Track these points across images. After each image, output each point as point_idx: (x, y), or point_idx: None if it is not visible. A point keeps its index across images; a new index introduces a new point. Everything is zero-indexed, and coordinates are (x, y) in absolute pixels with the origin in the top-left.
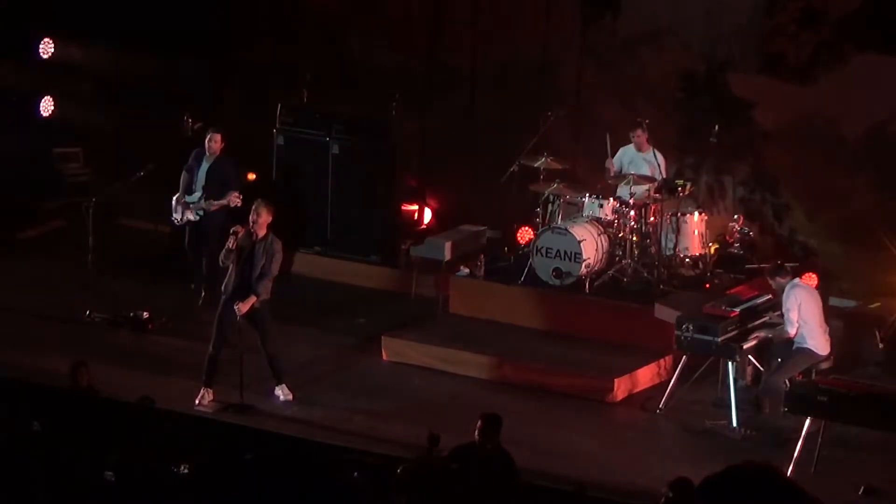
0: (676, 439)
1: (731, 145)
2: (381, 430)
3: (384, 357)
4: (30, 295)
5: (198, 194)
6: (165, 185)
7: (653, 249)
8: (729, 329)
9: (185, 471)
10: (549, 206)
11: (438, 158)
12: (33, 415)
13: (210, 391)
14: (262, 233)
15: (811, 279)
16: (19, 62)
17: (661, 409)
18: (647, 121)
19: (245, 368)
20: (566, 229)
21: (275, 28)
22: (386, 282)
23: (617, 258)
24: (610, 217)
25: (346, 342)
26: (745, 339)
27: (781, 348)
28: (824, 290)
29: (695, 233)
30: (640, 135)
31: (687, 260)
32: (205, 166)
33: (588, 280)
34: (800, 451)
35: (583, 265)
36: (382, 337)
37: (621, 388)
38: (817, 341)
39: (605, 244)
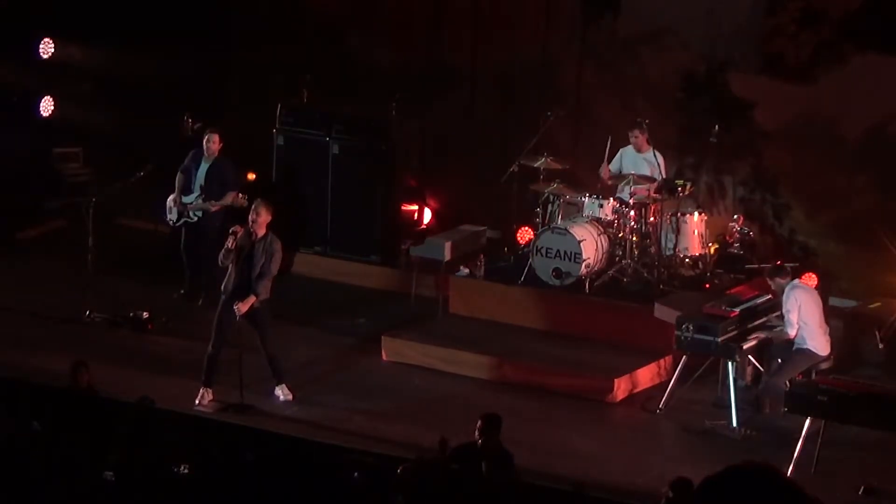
0: (676, 439)
1: (731, 145)
2: (381, 430)
3: (384, 357)
4: (30, 295)
5: (195, 195)
6: (165, 185)
7: (653, 249)
8: (729, 329)
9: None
10: (549, 206)
11: (438, 158)
12: (33, 415)
13: (210, 391)
14: (261, 232)
15: (811, 279)
16: (19, 62)
17: (661, 409)
18: (646, 121)
19: (245, 368)
20: (566, 229)
21: (275, 28)
22: (386, 282)
23: (617, 258)
24: (610, 217)
25: (346, 342)
26: (745, 339)
27: (781, 349)
28: (824, 290)
29: (695, 233)
30: (639, 135)
31: (687, 260)
32: (204, 167)
33: (588, 280)
34: (800, 451)
35: (583, 265)
36: (382, 337)
37: (621, 388)
38: (817, 342)
39: (605, 244)
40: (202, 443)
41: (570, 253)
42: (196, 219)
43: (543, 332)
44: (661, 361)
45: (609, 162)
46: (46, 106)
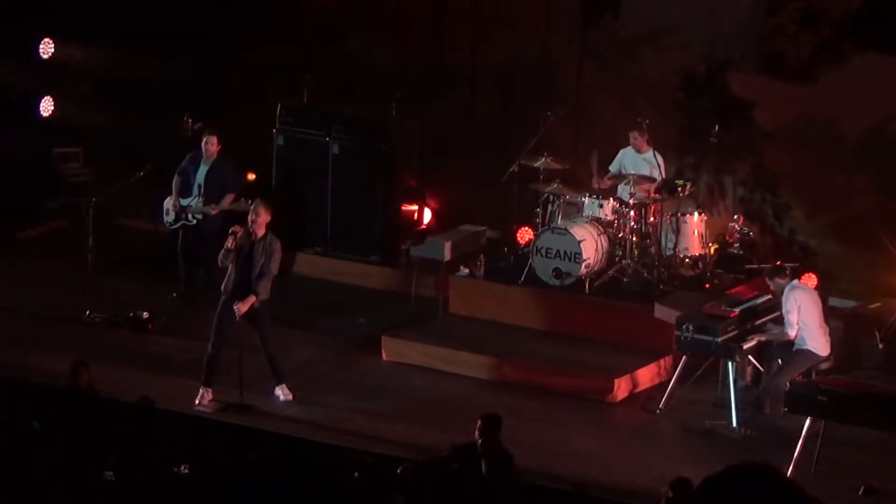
0: (676, 439)
1: (731, 145)
2: (381, 430)
3: (384, 357)
4: (30, 295)
5: (195, 197)
6: (165, 185)
7: (653, 249)
8: (729, 329)
9: (185, 471)
10: (549, 206)
11: (438, 158)
12: (33, 415)
13: (210, 391)
14: (260, 232)
15: (811, 279)
16: (19, 62)
17: (661, 409)
18: (646, 121)
19: (245, 368)
20: (566, 229)
21: (275, 28)
22: (386, 282)
23: (617, 258)
24: (610, 217)
25: (346, 342)
26: (745, 340)
27: (781, 349)
28: (824, 290)
29: (695, 233)
30: (638, 136)
31: (687, 260)
32: (203, 169)
33: (588, 280)
34: (800, 451)
35: (583, 265)
36: (382, 337)
37: (621, 388)
38: (817, 342)
39: (605, 244)
40: (202, 443)
41: (570, 253)
42: (195, 221)
43: (543, 332)
44: (661, 361)
45: (598, 174)
46: (46, 106)
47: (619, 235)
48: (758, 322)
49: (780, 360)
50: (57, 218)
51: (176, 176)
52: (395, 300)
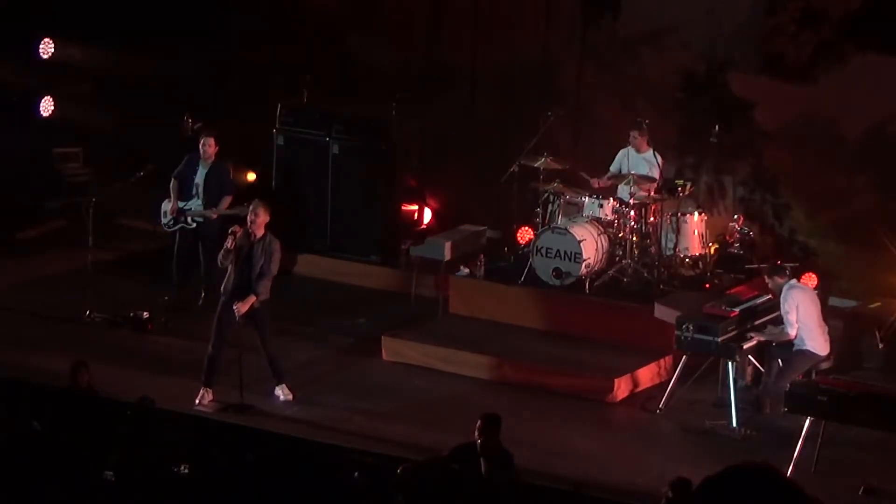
0: (676, 439)
1: (731, 145)
2: (381, 430)
3: (384, 357)
4: (30, 295)
5: (197, 201)
6: (165, 185)
7: (653, 249)
8: (729, 329)
9: (185, 471)
10: (549, 206)
11: (438, 158)
12: (33, 415)
13: (210, 391)
14: (260, 233)
15: (811, 279)
16: (19, 62)
17: (661, 409)
18: (646, 121)
19: (245, 368)
20: (566, 229)
21: (275, 28)
22: (386, 282)
23: (617, 258)
24: (610, 217)
25: (346, 342)
26: (745, 339)
27: (781, 349)
28: (824, 290)
29: (695, 233)
30: (638, 136)
31: (687, 260)
32: (202, 172)
33: (588, 280)
34: (800, 451)
35: (583, 265)
36: (382, 337)
37: (621, 388)
38: (816, 342)
39: (605, 244)
40: (202, 443)
41: (571, 253)
42: (195, 225)
43: (543, 332)
44: (661, 361)
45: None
46: (46, 106)
47: (620, 235)
48: (758, 322)
49: (780, 361)
50: (57, 218)
51: (173, 179)
52: (395, 300)
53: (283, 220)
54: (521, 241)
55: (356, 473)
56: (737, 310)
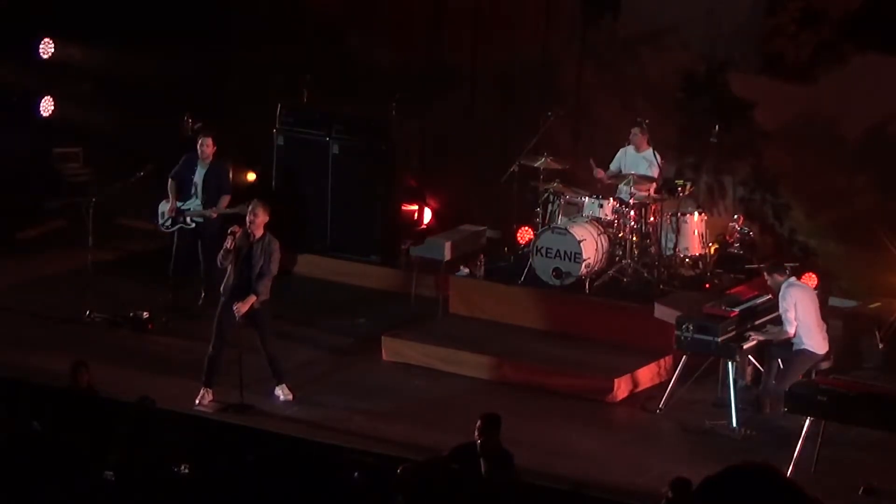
0: (676, 439)
1: (731, 145)
2: (381, 430)
3: (384, 357)
4: (30, 295)
5: (196, 201)
6: (165, 185)
7: (653, 249)
8: (729, 329)
9: (185, 471)
10: (549, 206)
11: (438, 158)
12: (33, 415)
13: (210, 391)
14: (259, 233)
15: (811, 279)
16: (19, 62)
17: (661, 409)
18: (646, 121)
19: (245, 368)
20: (566, 229)
21: (275, 28)
22: (386, 282)
23: (617, 258)
24: (610, 217)
25: (346, 342)
26: (745, 339)
27: (780, 349)
28: (824, 290)
29: (695, 233)
30: (639, 133)
31: (687, 260)
32: (201, 172)
33: (588, 280)
34: (800, 451)
35: (583, 265)
36: (382, 337)
37: (621, 388)
38: (815, 341)
39: (605, 244)
40: (202, 443)
41: (570, 253)
42: (194, 225)
43: (543, 332)
44: (661, 361)
45: (599, 167)
46: (46, 106)
47: (619, 235)
48: (758, 322)
49: (780, 361)
50: (57, 218)
51: (170, 179)
52: (395, 300)
53: (283, 220)
54: (521, 241)
55: (356, 473)
56: (737, 310)
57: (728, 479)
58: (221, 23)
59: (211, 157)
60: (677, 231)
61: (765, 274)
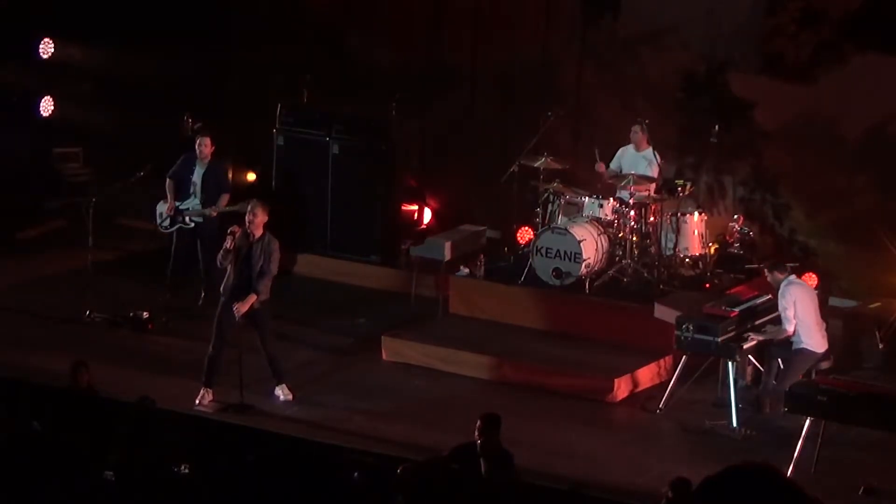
0: (676, 439)
1: (731, 145)
2: (381, 430)
3: (384, 357)
4: (30, 295)
5: (196, 201)
6: (165, 185)
7: (653, 249)
8: (729, 329)
9: (185, 471)
10: (549, 206)
11: (438, 158)
12: (33, 415)
13: (210, 391)
14: (258, 233)
15: (811, 279)
16: (19, 62)
17: (661, 409)
18: (646, 121)
19: (245, 368)
20: (566, 229)
21: (275, 28)
22: (386, 282)
23: (617, 258)
24: (610, 217)
25: (346, 342)
26: (745, 339)
27: (780, 348)
28: (824, 290)
29: (695, 233)
30: (639, 132)
31: (687, 260)
32: (199, 172)
33: (588, 280)
34: (800, 451)
35: (583, 265)
36: (382, 337)
37: (621, 388)
38: (814, 340)
39: (605, 244)
40: (202, 443)
41: (570, 253)
42: (193, 225)
43: (543, 332)
44: (661, 361)
45: (601, 160)
46: (46, 106)
47: (619, 235)
48: (758, 322)
49: (780, 361)
50: (57, 218)
51: (168, 179)
52: (395, 300)
53: (283, 220)
54: (521, 241)
55: (356, 473)
56: (737, 310)
57: (728, 479)
58: (221, 23)
59: (209, 157)
60: (677, 231)
61: (765, 271)
